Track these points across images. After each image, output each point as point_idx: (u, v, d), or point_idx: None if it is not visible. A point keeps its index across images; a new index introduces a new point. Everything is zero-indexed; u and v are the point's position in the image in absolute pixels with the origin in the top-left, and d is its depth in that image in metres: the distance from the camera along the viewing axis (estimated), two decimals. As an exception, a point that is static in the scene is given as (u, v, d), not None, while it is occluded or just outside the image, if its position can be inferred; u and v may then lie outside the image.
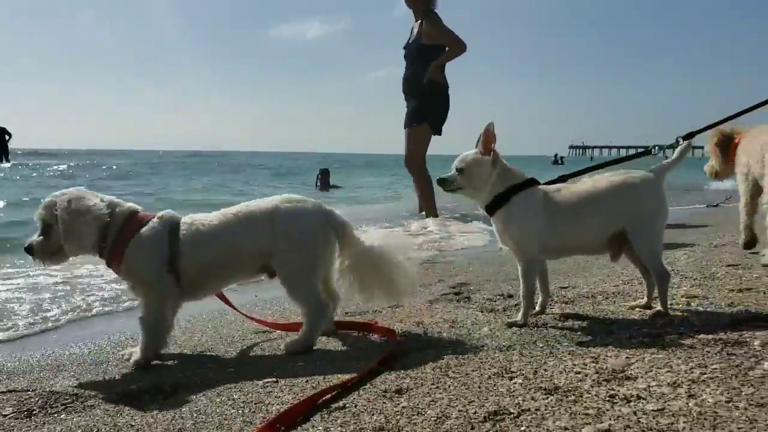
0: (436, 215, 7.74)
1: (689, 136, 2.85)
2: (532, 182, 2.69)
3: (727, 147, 3.94)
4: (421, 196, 8.00)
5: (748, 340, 2.13)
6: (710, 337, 2.20)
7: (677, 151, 2.75)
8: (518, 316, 2.65)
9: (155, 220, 2.63)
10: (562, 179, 2.82)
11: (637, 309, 2.72)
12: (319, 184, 19.32)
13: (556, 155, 63.71)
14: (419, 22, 7.57)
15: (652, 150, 3.04)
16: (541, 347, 2.28)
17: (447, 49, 7.45)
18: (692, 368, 1.89)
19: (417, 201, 8.21)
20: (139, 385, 2.30)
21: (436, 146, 7.83)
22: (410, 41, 7.71)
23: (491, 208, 2.69)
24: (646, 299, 2.74)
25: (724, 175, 4.13)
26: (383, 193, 17.52)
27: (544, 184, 2.74)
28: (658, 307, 2.60)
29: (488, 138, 2.64)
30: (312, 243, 2.61)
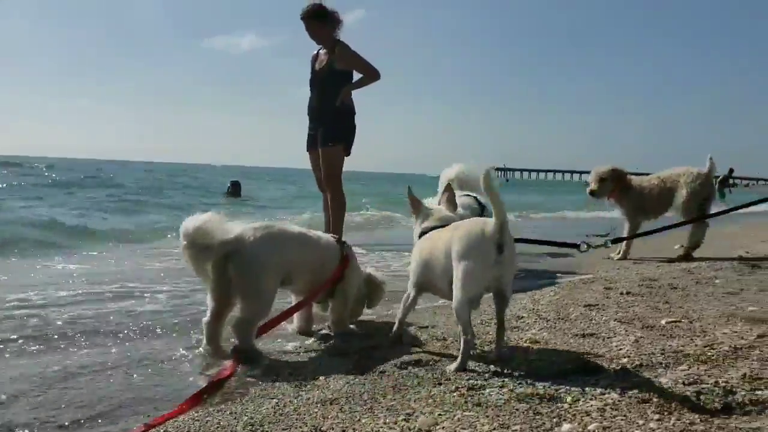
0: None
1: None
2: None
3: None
4: (333, 216, 7.95)
5: (562, 395, 2.14)
6: (529, 390, 2.20)
7: None
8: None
9: None
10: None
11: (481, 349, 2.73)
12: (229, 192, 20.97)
13: None
14: (327, 50, 7.58)
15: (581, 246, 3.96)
16: (365, 400, 2.23)
17: (362, 76, 7.50)
18: (494, 429, 1.87)
19: (325, 223, 8.14)
20: None
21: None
22: (320, 67, 7.70)
23: None
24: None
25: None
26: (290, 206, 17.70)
27: None
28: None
29: None
30: None
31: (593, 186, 6.14)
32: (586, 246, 3.94)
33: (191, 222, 2.82)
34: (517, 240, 2.87)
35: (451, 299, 2.49)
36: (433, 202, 3.34)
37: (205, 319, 2.99)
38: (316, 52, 7.79)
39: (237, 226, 2.93)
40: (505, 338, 2.77)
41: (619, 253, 6.11)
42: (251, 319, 2.88)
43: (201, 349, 3.02)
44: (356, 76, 7.63)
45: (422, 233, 2.90)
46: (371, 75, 7.55)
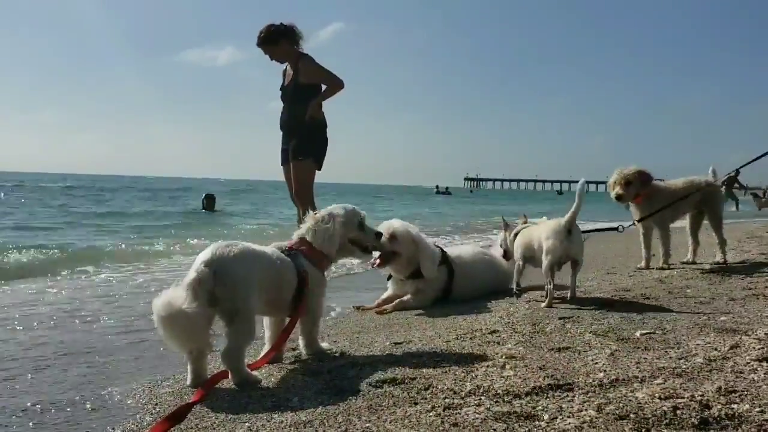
0: None
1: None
2: None
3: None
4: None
5: (539, 413, 2.11)
6: (506, 408, 2.16)
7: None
8: None
9: None
10: None
11: None
12: (204, 208, 20.46)
13: (438, 186, 72.50)
14: (293, 64, 7.59)
15: (618, 227, 5.39)
16: (340, 422, 2.18)
17: (325, 87, 7.50)
18: (471, 451, 1.83)
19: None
20: None
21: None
22: (287, 83, 7.69)
23: None
24: None
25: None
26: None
27: None
28: None
29: None
30: None
31: (618, 190, 5.69)
32: (622, 227, 5.38)
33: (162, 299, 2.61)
34: None
35: (541, 266, 4.17)
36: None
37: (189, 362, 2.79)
38: (285, 65, 7.79)
39: (207, 248, 2.78)
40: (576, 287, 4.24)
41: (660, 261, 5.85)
42: (241, 345, 2.72)
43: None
44: (324, 87, 7.63)
45: (516, 234, 4.57)
46: (334, 85, 7.57)
